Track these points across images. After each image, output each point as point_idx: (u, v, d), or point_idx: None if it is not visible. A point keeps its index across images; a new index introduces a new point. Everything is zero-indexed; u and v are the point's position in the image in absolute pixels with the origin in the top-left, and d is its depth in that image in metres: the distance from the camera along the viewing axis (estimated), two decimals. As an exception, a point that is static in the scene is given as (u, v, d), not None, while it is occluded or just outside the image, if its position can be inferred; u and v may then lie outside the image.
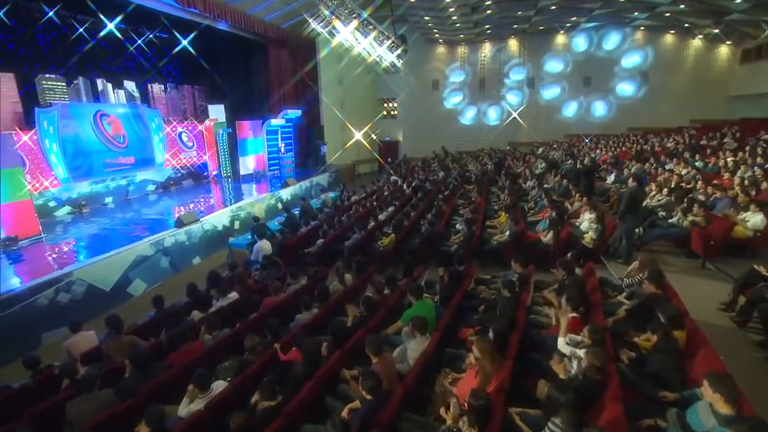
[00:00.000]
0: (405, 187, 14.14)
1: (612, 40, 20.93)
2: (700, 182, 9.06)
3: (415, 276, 5.91)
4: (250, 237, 9.36)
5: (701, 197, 7.98)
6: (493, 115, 23.90)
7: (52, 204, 11.88)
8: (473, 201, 10.39)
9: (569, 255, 5.51)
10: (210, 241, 10.43)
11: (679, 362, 3.41)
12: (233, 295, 5.91)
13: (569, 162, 15.32)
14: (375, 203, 11.80)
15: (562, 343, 3.63)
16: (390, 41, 11.33)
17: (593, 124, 22.20)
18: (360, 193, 14.03)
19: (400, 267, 6.54)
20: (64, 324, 6.92)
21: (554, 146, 20.64)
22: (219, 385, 3.75)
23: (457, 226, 8.98)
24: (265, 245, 8.09)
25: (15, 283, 7.15)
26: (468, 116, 24.30)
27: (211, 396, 3.60)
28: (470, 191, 12.73)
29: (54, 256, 8.82)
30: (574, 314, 4.23)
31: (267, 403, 3.31)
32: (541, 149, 21.18)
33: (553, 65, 22.42)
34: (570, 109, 22.69)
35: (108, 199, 13.44)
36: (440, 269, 5.85)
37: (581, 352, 3.30)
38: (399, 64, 13.29)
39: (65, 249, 9.25)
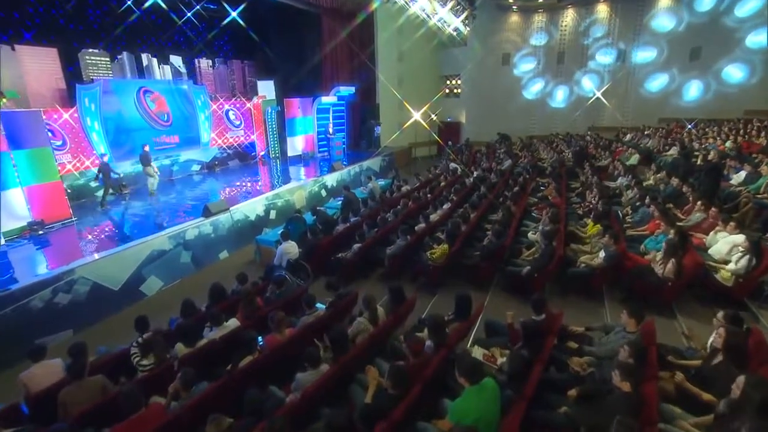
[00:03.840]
0: (465, 177, 12.22)
1: (736, -1, 16.86)
2: None
3: (471, 319, 4.21)
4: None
5: None
6: (571, 95, 20.83)
7: (93, 184, 11.49)
8: (550, 202, 8.30)
9: (722, 315, 3.48)
10: (240, 233, 9.38)
11: None
12: (232, 323, 4.62)
13: (670, 152, 12.50)
14: (429, 196, 10.08)
15: None
16: (454, 2, 9.34)
17: (698, 106, 18.40)
18: (413, 183, 12.33)
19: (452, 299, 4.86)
20: (62, 328, 6.20)
21: (647, 132, 17.36)
22: None
23: (530, 234, 7.07)
24: (290, 248, 6.77)
25: (37, 271, 6.53)
26: (541, 96, 21.38)
27: None
28: (545, 186, 10.56)
29: (81, 242, 8.23)
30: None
31: None
32: (628, 136, 17.95)
33: (652, 34, 18.79)
34: (669, 88, 19.03)
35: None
36: (509, 314, 4.12)
37: None
38: (464, 31, 11.20)
39: (96, 235, 8.63)
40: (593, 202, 8.20)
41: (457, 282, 6.43)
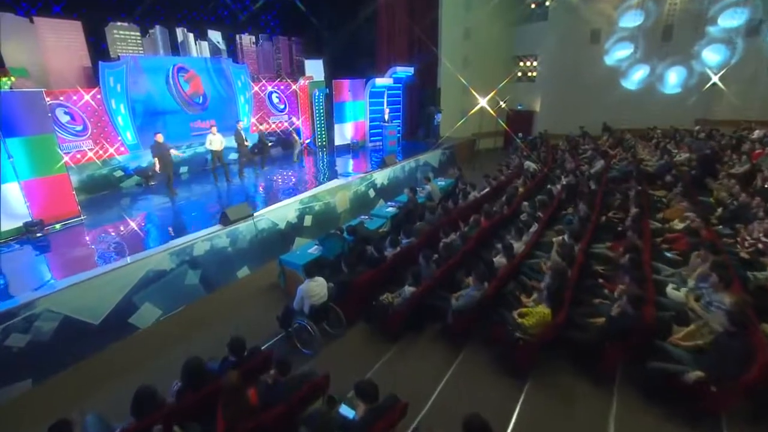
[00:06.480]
0: (550, 183, 9.67)
1: None
2: None
3: None
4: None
5: None
6: (686, 78, 16.89)
7: (118, 174, 10.31)
8: (698, 236, 5.62)
9: None
10: (266, 245, 7.63)
11: None
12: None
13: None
14: (505, 209, 7.69)
15: None
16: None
17: None
18: (481, 186, 9.92)
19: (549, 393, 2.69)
20: (17, 379, 4.67)
21: (787, 127, 13.52)
22: None
23: (670, 290, 4.62)
24: (315, 288, 4.81)
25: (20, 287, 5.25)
26: (639, 81, 17.72)
27: None
28: (663, 202, 7.85)
29: (84, 249, 6.82)
30: None
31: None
32: (757, 132, 14.16)
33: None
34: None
35: (183, 170, 11.64)
36: None
37: None
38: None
39: (105, 238, 7.23)
40: (762, 238, 5.49)
41: (558, 365, 4.20)
